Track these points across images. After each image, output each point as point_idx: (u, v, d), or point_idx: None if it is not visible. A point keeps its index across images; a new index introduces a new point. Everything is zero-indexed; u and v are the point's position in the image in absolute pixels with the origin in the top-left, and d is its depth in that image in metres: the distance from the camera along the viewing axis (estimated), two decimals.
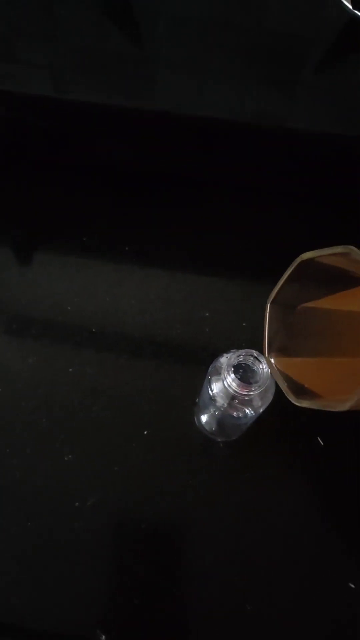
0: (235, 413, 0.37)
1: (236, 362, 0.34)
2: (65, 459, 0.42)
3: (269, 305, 0.27)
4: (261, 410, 0.37)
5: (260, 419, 0.39)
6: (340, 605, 0.39)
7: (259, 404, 0.36)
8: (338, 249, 0.22)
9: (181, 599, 0.38)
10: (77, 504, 0.40)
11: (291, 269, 0.25)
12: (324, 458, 0.43)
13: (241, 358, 0.34)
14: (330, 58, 0.47)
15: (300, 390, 0.26)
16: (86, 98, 0.47)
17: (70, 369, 0.45)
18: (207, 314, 0.48)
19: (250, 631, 0.38)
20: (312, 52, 0.48)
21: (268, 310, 0.27)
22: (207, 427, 0.42)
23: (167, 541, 0.40)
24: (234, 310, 0.48)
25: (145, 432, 0.43)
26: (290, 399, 0.25)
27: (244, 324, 0.47)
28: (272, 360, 0.27)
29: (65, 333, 0.46)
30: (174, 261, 0.50)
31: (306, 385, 0.27)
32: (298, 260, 0.25)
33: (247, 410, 0.37)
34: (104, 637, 0.37)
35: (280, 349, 0.28)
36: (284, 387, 0.26)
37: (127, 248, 0.50)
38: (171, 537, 0.40)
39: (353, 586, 0.39)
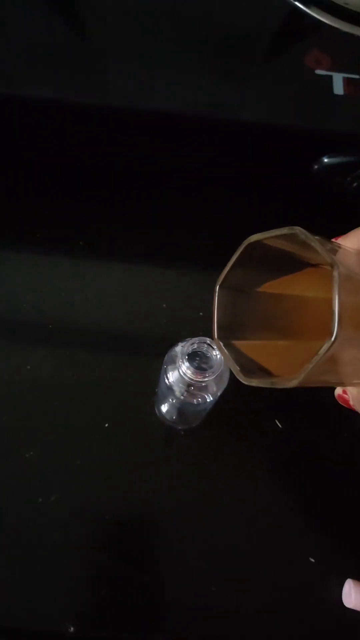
0: (193, 400, 0.38)
1: (190, 350, 0.35)
2: (27, 455, 0.42)
3: (217, 288, 0.27)
4: (218, 394, 0.37)
5: (219, 405, 0.40)
6: (302, 579, 0.40)
7: (215, 389, 0.37)
8: (284, 230, 0.22)
9: (148, 586, 0.39)
10: (40, 499, 0.40)
11: (239, 252, 0.26)
12: (282, 440, 0.44)
13: (195, 346, 0.35)
14: (276, 49, 0.48)
15: (250, 371, 0.27)
16: (34, 93, 0.46)
17: (28, 367, 0.44)
18: (165, 306, 0.48)
19: (217, 611, 0.39)
20: (259, 43, 0.49)
21: (217, 294, 0.27)
22: (167, 417, 0.43)
23: (131, 531, 0.40)
24: (191, 301, 0.49)
25: (106, 425, 0.43)
26: (240, 379, 0.25)
27: (200, 314, 0.48)
28: (222, 343, 0.28)
29: (21, 330, 0.46)
30: (129, 254, 0.50)
31: (256, 367, 0.28)
32: (245, 242, 0.25)
33: (205, 396, 0.38)
34: (72, 628, 0.37)
35: (230, 333, 0.29)
36: (234, 368, 0.26)
37: (81, 242, 0.50)
38: (135, 527, 0.41)
39: (313, 560, 0.41)
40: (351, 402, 0.30)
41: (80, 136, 0.49)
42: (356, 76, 0.44)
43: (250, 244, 0.25)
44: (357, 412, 0.30)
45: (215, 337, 0.28)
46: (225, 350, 0.28)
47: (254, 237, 0.25)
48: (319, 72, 0.44)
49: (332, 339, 0.19)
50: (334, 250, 0.22)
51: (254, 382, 0.25)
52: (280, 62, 0.46)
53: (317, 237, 0.21)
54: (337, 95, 0.44)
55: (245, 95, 0.45)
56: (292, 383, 0.21)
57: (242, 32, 0.48)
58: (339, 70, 0.44)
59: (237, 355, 0.30)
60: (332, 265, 0.20)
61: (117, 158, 0.51)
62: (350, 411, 0.46)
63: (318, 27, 0.47)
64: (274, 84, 0.45)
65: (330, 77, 0.44)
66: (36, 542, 0.39)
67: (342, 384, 0.29)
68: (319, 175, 0.47)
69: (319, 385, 0.27)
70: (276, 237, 0.23)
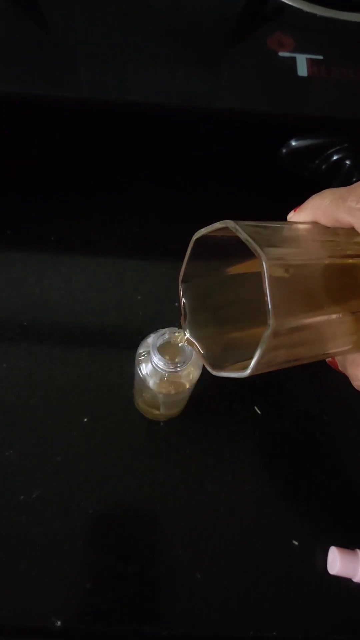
0: (169, 390, 0.38)
1: (161, 341, 0.35)
2: (7, 454, 0.42)
3: (180, 284, 0.28)
4: (194, 383, 0.37)
5: (197, 394, 0.40)
6: (286, 562, 0.41)
7: (189, 377, 0.37)
8: (217, 225, 0.23)
9: (133, 577, 0.39)
10: (22, 497, 0.40)
11: (190, 248, 0.26)
12: (261, 426, 0.45)
13: (166, 337, 0.35)
14: (239, 33, 0.47)
15: (220, 362, 0.27)
16: (2, 88, 0.45)
17: (4, 365, 0.44)
18: (139, 297, 0.48)
19: (203, 598, 0.39)
20: (223, 29, 0.48)
21: (180, 289, 0.28)
22: (145, 408, 0.43)
23: (114, 524, 0.40)
24: (166, 291, 0.49)
25: (85, 420, 0.43)
26: (209, 370, 0.26)
27: (176, 304, 0.48)
28: (187, 334, 0.28)
29: None
30: (102, 248, 0.50)
31: (227, 354, 0.28)
32: (193, 238, 0.25)
33: (180, 386, 0.38)
34: (59, 623, 0.37)
35: (198, 323, 0.29)
36: (203, 360, 0.27)
37: (52, 238, 0.49)
38: (118, 520, 0.41)
39: (296, 543, 0.41)
40: (339, 367, 0.30)
41: (49, 131, 0.48)
42: (320, 57, 0.44)
43: (198, 239, 0.26)
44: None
45: (185, 330, 0.28)
46: (195, 343, 0.28)
47: (198, 233, 0.25)
48: (282, 54, 0.44)
49: (269, 331, 0.19)
50: (271, 236, 0.22)
51: (222, 374, 0.25)
52: (244, 47, 0.45)
53: (250, 225, 0.21)
54: (301, 77, 0.43)
55: (213, 83, 0.45)
56: (245, 373, 0.21)
57: (207, 18, 0.47)
58: (302, 51, 0.44)
59: (208, 345, 0.30)
60: (260, 258, 0.20)
61: (88, 151, 0.51)
62: (328, 396, 0.46)
63: (281, 9, 0.46)
64: (238, 69, 0.45)
65: (294, 58, 0.44)
66: (19, 539, 0.39)
67: (312, 359, 0.28)
68: (288, 160, 0.47)
69: (291, 365, 0.28)
70: (218, 230, 0.24)
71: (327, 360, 0.31)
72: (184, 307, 0.30)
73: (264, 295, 0.20)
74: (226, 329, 0.31)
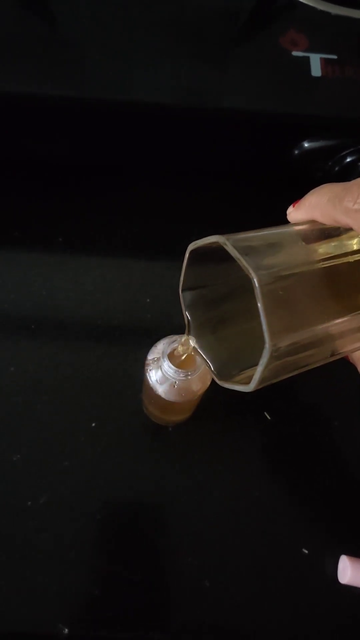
0: (179, 397, 0.37)
1: (171, 348, 0.34)
2: (14, 459, 0.41)
3: (180, 293, 0.27)
4: (204, 389, 0.37)
5: (207, 400, 0.39)
6: (295, 570, 0.40)
7: (200, 384, 0.37)
8: (210, 239, 0.22)
9: (141, 584, 0.39)
10: (29, 502, 0.40)
11: (186, 259, 0.26)
12: (271, 432, 0.44)
13: (176, 344, 0.34)
14: (250, 31, 0.47)
15: (226, 368, 0.27)
16: (7, 87, 0.44)
17: (12, 368, 0.44)
18: (148, 300, 0.47)
19: (211, 605, 0.39)
20: (234, 27, 0.47)
21: (182, 298, 0.27)
22: (154, 413, 0.42)
23: (122, 530, 0.40)
24: (175, 294, 0.48)
25: (93, 425, 0.43)
26: (216, 380, 0.25)
27: None
28: (192, 343, 0.28)
29: (3, 332, 0.45)
30: (109, 249, 0.49)
31: (233, 362, 0.28)
32: (188, 249, 0.25)
33: (190, 392, 0.37)
34: (66, 630, 0.37)
35: (204, 330, 0.28)
36: (209, 369, 0.26)
37: (60, 239, 0.49)
38: (126, 526, 0.40)
39: (306, 551, 0.41)
40: (352, 360, 0.29)
41: (56, 131, 0.47)
42: (333, 56, 0.43)
43: (193, 250, 0.25)
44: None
45: (190, 339, 0.28)
46: (201, 352, 0.28)
47: (192, 245, 0.25)
48: (295, 53, 0.43)
49: (267, 351, 0.19)
50: (263, 248, 0.22)
51: (226, 385, 0.24)
52: (256, 45, 0.44)
53: (242, 238, 0.21)
54: (315, 77, 0.43)
55: (223, 82, 0.44)
56: (249, 388, 0.21)
57: (217, 15, 0.46)
58: (316, 50, 0.43)
59: (215, 351, 0.29)
60: (252, 278, 0.19)
61: (96, 152, 0.50)
62: (339, 401, 0.46)
63: (293, 7, 0.45)
64: (251, 68, 0.44)
65: (308, 58, 0.43)
66: (27, 545, 0.39)
67: (322, 362, 0.28)
68: (300, 161, 0.46)
69: (300, 372, 0.27)
70: (211, 243, 0.23)
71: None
72: (188, 317, 0.29)
73: (259, 315, 0.19)
74: (232, 334, 0.30)
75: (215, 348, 0.29)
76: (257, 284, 0.19)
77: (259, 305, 0.19)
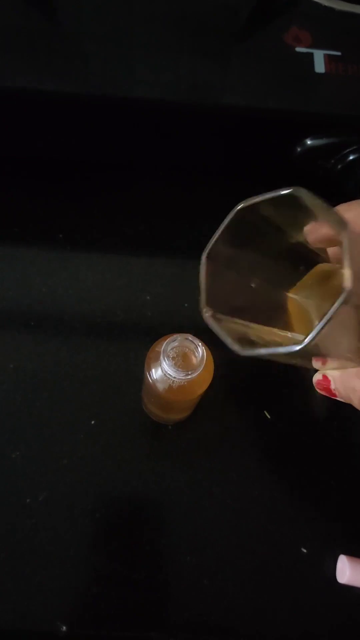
0: (180, 396, 0.37)
1: (171, 348, 0.34)
2: (13, 456, 0.41)
3: (204, 258, 0.26)
4: (204, 389, 0.37)
5: (207, 398, 0.39)
6: (294, 570, 0.40)
7: (200, 384, 0.36)
8: (285, 191, 0.21)
9: (139, 582, 0.39)
10: (28, 500, 0.40)
11: (228, 219, 0.24)
12: (271, 431, 0.44)
13: (176, 343, 0.34)
14: (254, 27, 0.46)
15: (244, 341, 0.25)
16: (8, 83, 0.44)
17: (11, 365, 0.44)
18: (148, 298, 0.47)
19: (210, 604, 0.39)
20: (237, 22, 0.47)
21: (205, 265, 0.26)
22: (153, 412, 0.42)
23: (121, 528, 0.40)
24: (175, 292, 0.48)
25: (92, 422, 0.42)
26: (234, 350, 0.23)
27: (185, 305, 0.47)
28: (209, 315, 0.26)
29: (3, 329, 0.45)
30: (110, 246, 0.49)
31: (250, 336, 0.27)
32: (237, 207, 0.24)
33: (190, 392, 0.37)
34: (64, 628, 0.37)
35: (221, 303, 0.27)
36: (226, 340, 0.24)
37: (60, 236, 0.48)
38: (125, 524, 0.40)
39: (305, 551, 0.41)
40: (332, 387, 0.29)
41: (56, 127, 0.47)
42: (337, 53, 0.42)
43: (240, 211, 0.24)
44: (337, 400, 0.29)
45: (204, 310, 0.26)
46: (215, 324, 0.26)
47: (248, 202, 0.24)
48: (299, 49, 0.43)
49: (346, 291, 0.18)
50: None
51: (253, 352, 0.23)
52: (259, 41, 0.44)
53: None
54: (318, 74, 0.42)
55: (226, 78, 0.43)
56: (304, 342, 0.20)
57: (220, 11, 0.46)
58: (320, 47, 0.43)
59: (226, 329, 0.28)
60: (340, 224, 0.19)
61: (95, 148, 0.50)
62: (339, 401, 0.45)
63: (297, 2, 0.45)
64: (254, 64, 0.43)
65: (311, 54, 0.42)
66: (25, 543, 0.39)
67: (333, 358, 0.27)
68: (303, 158, 0.45)
69: (306, 365, 0.27)
70: (272, 200, 0.22)
71: (315, 381, 0.30)
72: (204, 284, 0.27)
73: (342, 260, 0.19)
74: (242, 322, 0.29)
75: (226, 326, 0.28)
76: (345, 227, 0.19)
77: (344, 247, 0.19)
